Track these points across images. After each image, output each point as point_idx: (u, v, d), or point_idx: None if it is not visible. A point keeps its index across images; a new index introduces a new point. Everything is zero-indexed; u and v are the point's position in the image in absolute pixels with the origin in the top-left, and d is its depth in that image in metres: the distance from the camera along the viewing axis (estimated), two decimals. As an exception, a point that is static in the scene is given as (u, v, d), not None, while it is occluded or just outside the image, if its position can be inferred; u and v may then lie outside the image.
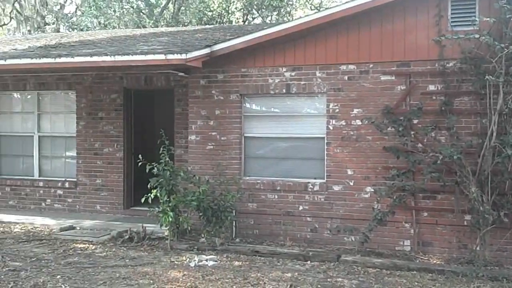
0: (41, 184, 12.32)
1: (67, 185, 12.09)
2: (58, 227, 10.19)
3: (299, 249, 8.79)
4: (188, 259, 8.25)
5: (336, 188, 9.22)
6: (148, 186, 8.91)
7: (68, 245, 9.11)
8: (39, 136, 12.58)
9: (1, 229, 10.48)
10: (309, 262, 8.30)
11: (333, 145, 9.22)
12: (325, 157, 9.31)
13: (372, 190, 8.97)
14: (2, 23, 24.93)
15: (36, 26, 23.03)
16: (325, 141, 9.31)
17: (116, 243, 9.24)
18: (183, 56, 9.17)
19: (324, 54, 9.30)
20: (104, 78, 11.83)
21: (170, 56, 9.26)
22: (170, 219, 8.67)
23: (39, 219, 11.22)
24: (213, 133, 9.91)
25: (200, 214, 9.08)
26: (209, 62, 9.70)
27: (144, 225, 9.53)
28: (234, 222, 9.44)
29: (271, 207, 9.56)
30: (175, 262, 8.12)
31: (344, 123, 9.16)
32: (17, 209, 12.42)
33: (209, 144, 9.92)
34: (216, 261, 8.12)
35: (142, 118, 12.97)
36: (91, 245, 9.13)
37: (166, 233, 9.08)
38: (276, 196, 9.55)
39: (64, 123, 12.40)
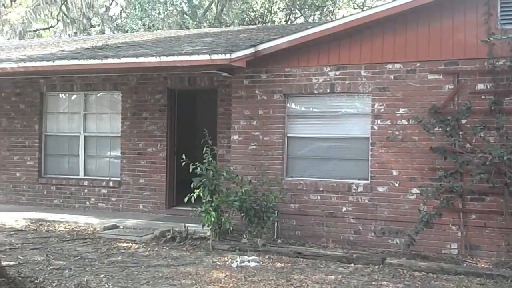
0: (85, 183, 12.57)
1: (111, 184, 12.30)
2: (102, 226, 10.38)
3: (342, 251, 8.70)
4: (230, 259, 8.27)
5: (380, 189, 9.09)
6: (191, 185, 8.98)
7: (111, 244, 9.25)
8: (84, 136, 12.83)
9: (46, 228, 10.74)
10: (352, 264, 8.20)
11: (378, 145, 9.11)
12: (370, 158, 9.20)
13: (418, 191, 8.81)
14: (49, 25, 25.62)
15: (81, 28, 23.56)
16: (370, 141, 9.20)
17: (158, 243, 9.34)
18: (228, 56, 9.22)
19: (369, 53, 9.20)
20: (148, 79, 12.00)
21: (214, 56, 9.32)
22: (213, 219, 8.72)
23: (83, 218, 11.44)
24: (256, 133, 9.91)
25: (242, 214, 9.09)
26: (253, 62, 9.72)
27: (186, 224, 9.60)
28: (276, 223, 9.42)
29: (313, 208, 9.50)
30: (217, 262, 8.15)
31: (389, 123, 9.04)
32: (62, 208, 12.69)
33: (252, 144, 9.94)
34: (258, 262, 8.12)
35: (185, 118, 13.12)
36: (134, 244, 9.25)
37: (208, 233, 9.13)
38: (318, 197, 9.49)
39: (109, 123, 12.62)
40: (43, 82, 13.04)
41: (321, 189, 9.46)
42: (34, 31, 24.97)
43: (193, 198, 8.92)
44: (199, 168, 8.99)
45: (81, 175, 12.81)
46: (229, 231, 9.14)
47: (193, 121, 14.36)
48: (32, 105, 13.23)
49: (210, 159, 9.10)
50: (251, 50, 9.57)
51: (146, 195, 11.97)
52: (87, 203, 12.54)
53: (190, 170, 8.95)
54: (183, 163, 9.01)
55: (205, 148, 9.14)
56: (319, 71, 9.52)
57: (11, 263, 7.76)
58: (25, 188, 13.23)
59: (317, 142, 9.76)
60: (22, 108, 13.32)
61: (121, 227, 10.50)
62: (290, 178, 9.75)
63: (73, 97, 13.10)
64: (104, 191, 12.39)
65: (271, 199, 9.01)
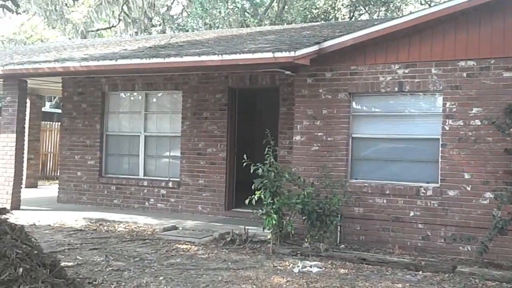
0: (145, 183, 12.72)
1: (170, 185, 12.41)
2: (161, 227, 10.47)
3: (409, 258, 8.43)
4: (291, 264, 8.15)
5: (451, 193, 8.76)
6: (252, 187, 8.92)
7: (170, 246, 9.29)
8: (145, 136, 13.00)
9: (106, 227, 10.91)
10: (421, 272, 7.92)
11: (449, 146, 8.78)
12: (440, 160, 8.88)
13: (492, 196, 8.43)
14: (111, 25, 26.24)
15: (143, 28, 24.01)
16: (440, 143, 8.89)
17: (218, 245, 9.33)
18: (291, 53, 9.11)
19: (441, 50, 8.90)
20: (209, 78, 12.05)
21: (278, 54, 9.23)
22: (274, 222, 8.62)
23: (142, 218, 11.58)
24: (319, 134, 9.76)
25: (304, 217, 8.96)
26: (317, 60, 9.57)
27: (246, 227, 9.55)
28: (339, 227, 9.24)
29: (379, 212, 9.26)
30: (278, 267, 8.04)
31: (461, 123, 8.70)
32: (121, 207, 12.90)
33: (315, 144, 9.79)
34: (320, 267, 7.96)
35: (246, 118, 13.09)
36: (193, 246, 9.27)
37: (268, 237, 9.04)
38: (384, 201, 9.24)
39: (170, 123, 12.73)
40: (104, 82, 13.31)
41: (387, 192, 9.21)
42: (96, 30, 25.64)
43: (253, 200, 8.86)
44: (260, 169, 8.92)
45: (141, 175, 12.97)
46: (290, 234, 9.01)
47: (254, 121, 14.32)
48: (93, 104, 13.52)
49: (272, 160, 9.02)
50: (316, 48, 9.42)
51: (205, 196, 12.01)
52: (146, 203, 12.69)
53: (251, 171, 8.89)
54: (244, 164, 8.95)
55: (266, 149, 9.06)
56: (386, 69, 9.27)
57: (70, 264, 7.84)
58: (85, 188, 13.52)
59: (383, 143, 9.51)
60: (84, 108, 13.64)
61: (180, 228, 10.56)
62: (354, 181, 9.54)
63: (134, 97, 13.31)
64: (163, 191, 12.51)
65: (334, 202, 8.83)
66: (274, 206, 8.74)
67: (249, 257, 8.60)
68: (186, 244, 9.38)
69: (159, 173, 12.81)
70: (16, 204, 12.73)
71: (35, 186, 17.26)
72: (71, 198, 13.69)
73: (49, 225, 11.08)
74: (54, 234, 10.18)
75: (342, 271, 7.90)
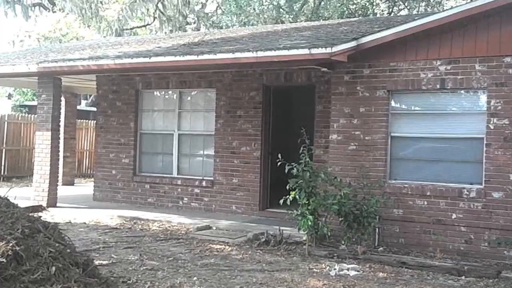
0: (179, 182, 12.69)
1: (204, 184, 12.35)
2: (195, 227, 10.40)
3: (451, 262, 8.16)
4: (327, 267, 7.98)
5: (496, 195, 8.46)
6: (287, 187, 8.77)
7: (204, 245, 9.22)
8: (178, 134, 12.97)
9: (140, 226, 10.92)
10: (463, 277, 7.66)
11: (493, 146, 8.48)
12: (484, 160, 8.58)
13: (540, 199, 8.11)
14: (146, 23, 26.39)
15: (177, 26, 24.06)
16: (484, 142, 8.59)
17: (252, 246, 9.21)
18: (328, 50, 8.92)
19: (485, 45, 8.60)
20: (244, 75, 11.93)
21: (314, 51, 9.05)
22: (309, 223, 8.46)
23: (176, 217, 11.54)
24: (357, 132, 9.55)
25: (341, 219, 8.77)
26: (354, 56, 9.36)
27: (281, 227, 9.41)
28: (377, 229, 9.02)
29: (419, 214, 9.01)
30: (314, 269, 7.88)
31: (507, 122, 8.39)
32: (155, 206, 12.90)
33: (352, 144, 9.58)
34: (358, 271, 7.77)
35: (281, 116, 12.94)
36: (227, 246, 9.17)
37: (304, 238, 8.88)
38: (425, 202, 8.98)
39: (203, 121, 12.67)
40: (138, 80, 13.32)
41: (428, 193, 8.95)
42: (131, 29, 25.81)
43: (288, 200, 8.71)
44: (295, 169, 8.76)
45: (175, 174, 12.95)
46: (326, 236, 8.83)
47: (289, 119, 14.14)
48: (128, 102, 13.55)
49: (307, 159, 8.85)
50: (353, 44, 9.22)
51: (239, 196, 11.92)
52: (180, 202, 12.66)
53: (286, 171, 8.74)
54: (278, 163, 8.81)
55: (301, 148, 8.90)
56: (428, 65, 9.01)
57: (104, 262, 7.86)
58: (120, 186, 13.56)
59: (423, 143, 9.25)
60: (118, 106, 13.68)
61: (214, 228, 10.48)
62: (393, 181, 9.30)
63: (168, 95, 13.29)
64: (197, 190, 12.46)
65: (372, 203, 8.62)
66: (309, 207, 8.58)
67: (284, 259, 8.45)
68: (220, 244, 9.29)
69: (192, 171, 12.76)
70: (52, 202, 12.84)
71: (71, 183, 17.45)
72: (106, 196, 13.75)
73: (85, 223, 11.16)
74: (89, 232, 10.24)
75: (380, 275, 7.69)
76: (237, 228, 10.42)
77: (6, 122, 18.85)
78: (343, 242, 8.83)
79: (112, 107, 13.77)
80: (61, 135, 16.62)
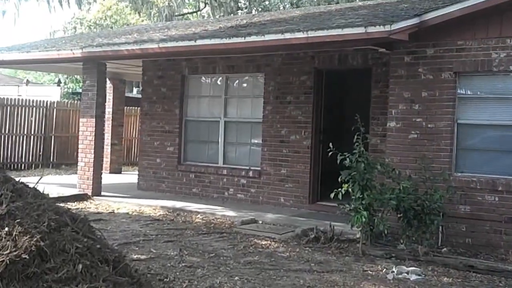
0: (224, 172, 11.98)
1: (250, 174, 11.59)
2: (240, 220, 9.64)
3: (527, 268, 7.12)
4: (384, 269, 7.07)
5: None
6: (339, 179, 7.88)
7: (248, 241, 8.47)
8: (225, 121, 12.26)
9: (183, 218, 10.27)
10: (542, 285, 6.64)
11: None
12: None
13: None
14: (197, 8, 25.76)
15: (229, 11, 23.33)
16: None
17: (300, 242, 8.39)
18: (387, 28, 7.96)
19: None
20: (294, 59, 11.06)
21: (370, 29, 8.11)
22: (364, 220, 7.55)
23: (220, 209, 10.83)
24: (418, 119, 8.56)
25: (399, 215, 7.83)
26: (416, 35, 8.36)
27: (332, 223, 8.58)
28: (440, 227, 8.02)
29: (489, 212, 7.95)
30: (369, 271, 6.99)
31: None
32: (200, 197, 12.24)
33: (412, 132, 8.59)
34: (419, 274, 6.82)
35: (333, 102, 12.00)
36: (273, 243, 8.38)
37: (357, 235, 7.98)
38: (496, 198, 7.92)
39: (251, 108, 11.92)
40: (184, 64, 12.65)
41: (499, 188, 7.88)
42: (182, 15, 25.24)
43: (340, 194, 7.83)
44: (348, 159, 7.86)
45: (220, 163, 12.25)
46: (383, 234, 7.89)
47: (342, 105, 13.16)
48: (173, 88, 12.92)
49: (362, 149, 7.93)
50: (415, 20, 8.21)
51: (287, 188, 11.08)
52: (226, 193, 11.95)
53: (338, 162, 7.85)
54: (330, 153, 7.91)
55: (356, 136, 7.98)
56: (501, 43, 7.92)
57: (143, 257, 7.30)
58: (164, 175, 12.99)
59: (495, 131, 8.18)
60: (164, 92, 13.07)
61: (260, 222, 9.69)
62: (459, 174, 8.27)
63: (214, 80, 12.57)
64: (243, 181, 11.71)
65: (436, 199, 7.62)
66: (363, 202, 7.67)
67: (335, 258, 7.59)
68: (266, 240, 8.50)
69: (239, 161, 12.03)
70: (97, 190, 12.39)
71: (119, 171, 17.08)
72: (150, 185, 13.21)
73: (128, 213, 10.67)
74: (131, 223, 9.71)
75: (445, 279, 6.75)
76: (284, 222, 9.60)
77: (55, 109, 18.62)
78: (401, 241, 7.89)
79: (157, 93, 13.17)
80: (109, 122, 16.70)
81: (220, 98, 12.32)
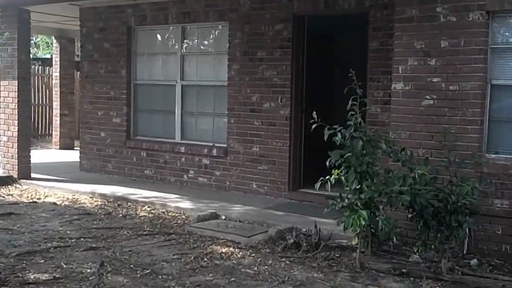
0: (182, 149, 9.86)
1: (214, 152, 9.45)
2: (196, 214, 7.52)
3: None
4: (393, 293, 5.04)
5: None
6: (327, 163, 5.77)
7: (204, 247, 6.43)
8: (182, 86, 10.07)
9: (125, 210, 8.27)
10: None
11: None
12: None
13: None
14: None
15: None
16: None
17: (274, 250, 6.34)
18: None
19: None
20: (267, 2, 8.83)
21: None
22: (363, 222, 5.45)
23: (175, 198, 8.76)
24: (435, 79, 6.43)
25: (413, 213, 5.75)
26: (433, -40, 6.19)
27: (318, 220, 6.57)
28: (468, 230, 5.94)
29: (536, 208, 5.91)
30: (371, 298, 4.96)
31: None
32: (154, 180, 10.16)
33: (427, 97, 6.48)
34: (446, 306, 4.79)
35: (319, 58, 9.77)
36: (237, 250, 6.32)
37: (354, 242, 5.89)
38: (545, 189, 5.88)
39: (213, 68, 9.78)
40: (130, 13, 10.39)
41: (552, 175, 5.83)
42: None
43: (328, 183, 5.73)
44: (339, 135, 5.74)
45: (177, 139, 10.13)
46: (389, 240, 5.83)
47: (330, 63, 10.90)
48: (118, 43, 10.72)
49: (359, 120, 5.81)
50: None
51: (261, 170, 8.96)
52: (185, 176, 9.83)
53: (325, 138, 5.72)
54: (313, 126, 5.76)
55: (350, 102, 5.85)
56: (558, -33, 5.78)
57: (44, 277, 5.37)
58: (111, 153, 10.90)
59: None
60: (107, 48, 10.88)
61: (223, 217, 7.59)
62: (493, 156, 6.18)
63: (167, 32, 10.33)
64: (205, 161, 9.59)
65: (465, 192, 5.52)
66: (362, 196, 5.58)
67: (323, 276, 5.56)
68: (227, 246, 6.45)
69: (200, 136, 9.92)
70: (25, 172, 10.40)
71: (71, 147, 15.02)
72: (94, 165, 11.14)
73: (55, 203, 8.70)
74: (51, 218, 7.74)
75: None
76: (255, 218, 7.50)
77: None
78: (415, 250, 5.83)
79: (99, 50, 10.98)
80: (57, 89, 15.02)
81: (176, 55, 10.13)
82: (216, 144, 9.56)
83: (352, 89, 5.85)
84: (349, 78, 5.83)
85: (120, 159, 10.72)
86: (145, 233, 6.98)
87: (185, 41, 10.03)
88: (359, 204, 5.62)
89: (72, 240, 6.62)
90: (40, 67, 17.98)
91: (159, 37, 10.47)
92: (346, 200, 5.70)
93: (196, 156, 9.70)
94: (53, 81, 15.51)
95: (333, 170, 5.79)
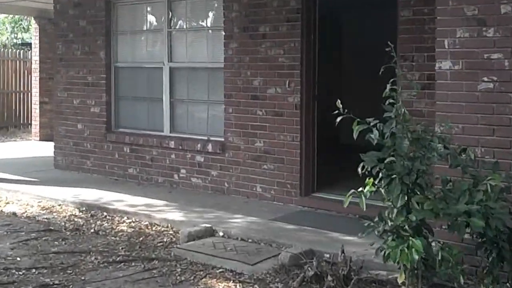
0: (172, 144, 8.26)
1: (210, 148, 7.84)
2: (187, 231, 5.91)
3: None
4: None
5: None
6: (359, 169, 4.14)
7: (194, 281, 4.86)
8: (170, 69, 8.47)
9: (98, 224, 6.75)
10: None
11: None
12: None
13: None
14: None
15: None
16: None
17: (288, 284, 4.77)
18: None
19: None
20: (269, -36, 7.21)
21: None
22: (416, 257, 3.84)
23: (162, 205, 7.19)
24: (494, 55, 4.81)
25: (482, 240, 4.15)
26: None
27: (341, 238, 5.18)
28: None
29: None
30: None
31: None
32: (139, 181, 8.59)
33: (485, 78, 4.85)
34: None
35: (334, 34, 8.16)
36: (238, 285, 4.72)
37: (400, 280, 4.26)
38: None
39: (207, 47, 8.18)
40: (109, -16, 8.78)
41: None
42: None
43: (362, 200, 4.12)
44: (375, 132, 4.14)
45: (166, 131, 8.56)
46: (454, 282, 4.22)
47: (348, 39, 9.28)
48: (95, 21, 9.17)
49: (403, 110, 4.19)
50: None
51: (267, 170, 7.35)
52: (175, 176, 8.25)
53: (355, 135, 4.10)
54: (338, 119, 4.14)
55: (389, 86, 4.23)
56: None
57: None
58: (89, 148, 9.34)
59: None
60: (83, 26, 9.31)
61: (220, 233, 6.00)
62: None
63: (152, 6, 8.78)
64: (199, 158, 7.99)
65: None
66: (413, 218, 3.96)
67: (358, 327, 3.97)
68: (226, 278, 4.92)
69: (193, 128, 8.34)
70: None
71: (52, 139, 13.39)
72: (71, 162, 9.58)
73: (14, 214, 7.18)
74: (3, 237, 6.20)
75: None
76: (261, 234, 5.90)
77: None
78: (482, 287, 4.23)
79: (75, 29, 9.43)
80: (36, 74, 13.80)
81: (162, 33, 8.55)
82: (212, 138, 7.97)
83: (391, 68, 4.24)
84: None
85: (100, 155, 9.16)
86: (118, 258, 5.41)
87: (172, 16, 8.42)
88: (407, 228, 4.02)
89: (20, 273, 5.05)
90: (21, 51, 16.74)
91: (142, 12, 8.91)
92: (389, 222, 4.10)
93: (188, 152, 8.10)
94: (33, 66, 14.14)
95: (367, 180, 4.19)
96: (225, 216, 6.58)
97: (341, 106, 4.11)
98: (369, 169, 4.13)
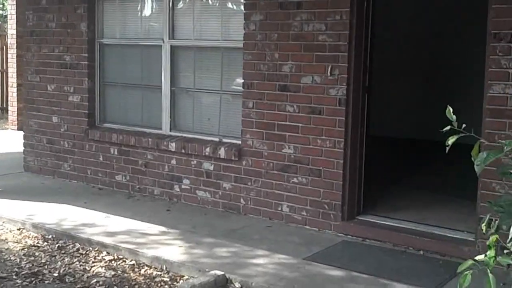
0: (172, 146, 7.11)
1: (222, 153, 6.62)
2: (189, 284, 4.53)
3: None
4: None
5: None
6: (482, 225, 2.79)
7: None
8: (171, 47, 7.30)
9: (66, 262, 5.44)
10: None
11: None
12: None
13: None
14: None
15: None
16: None
17: None
18: None
19: None
20: None
21: None
22: None
23: (156, 233, 5.88)
24: None
25: None
26: None
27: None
28: None
29: None
30: None
31: None
32: (129, 193, 7.48)
33: None
34: None
35: (385, 11, 6.90)
36: None
37: None
38: None
39: (221, 20, 6.99)
40: None
41: None
42: None
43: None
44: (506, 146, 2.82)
45: (165, 129, 7.43)
46: None
47: (412, 12, 8.15)
48: (74, -16, 8.08)
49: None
50: None
51: (297, 184, 6.12)
52: (176, 187, 7.10)
53: (477, 167, 2.76)
54: (451, 140, 2.80)
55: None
56: None
57: None
58: (67, 147, 8.22)
59: None
60: (58, -9, 8.25)
61: (236, 285, 4.62)
62: None
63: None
64: (208, 166, 6.80)
65: None
66: None
67: None
68: None
69: (200, 126, 7.24)
70: None
71: (31, 127, 12.53)
72: (44, 164, 8.46)
73: None
74: None
75: None
76: (290, 283, 4.52)
77: None
78: None
79: (48, -6, 8.34)
80: (13, 51, 13.09)
81: (161, 1, 7.38)
82: (225, 140, 6.81)
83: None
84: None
85: (81, 157, 8.06)
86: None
87: (175, -21, 7.24)
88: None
89: None
90: (-2, 23, 16.00)
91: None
92: None
93: (194, 157, 6.92)
94: (9, 41, 13.35)
95: (481, 224, 2.86)
96: (243, 253, 5.25)
97: (454, 117, 2.76)
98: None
